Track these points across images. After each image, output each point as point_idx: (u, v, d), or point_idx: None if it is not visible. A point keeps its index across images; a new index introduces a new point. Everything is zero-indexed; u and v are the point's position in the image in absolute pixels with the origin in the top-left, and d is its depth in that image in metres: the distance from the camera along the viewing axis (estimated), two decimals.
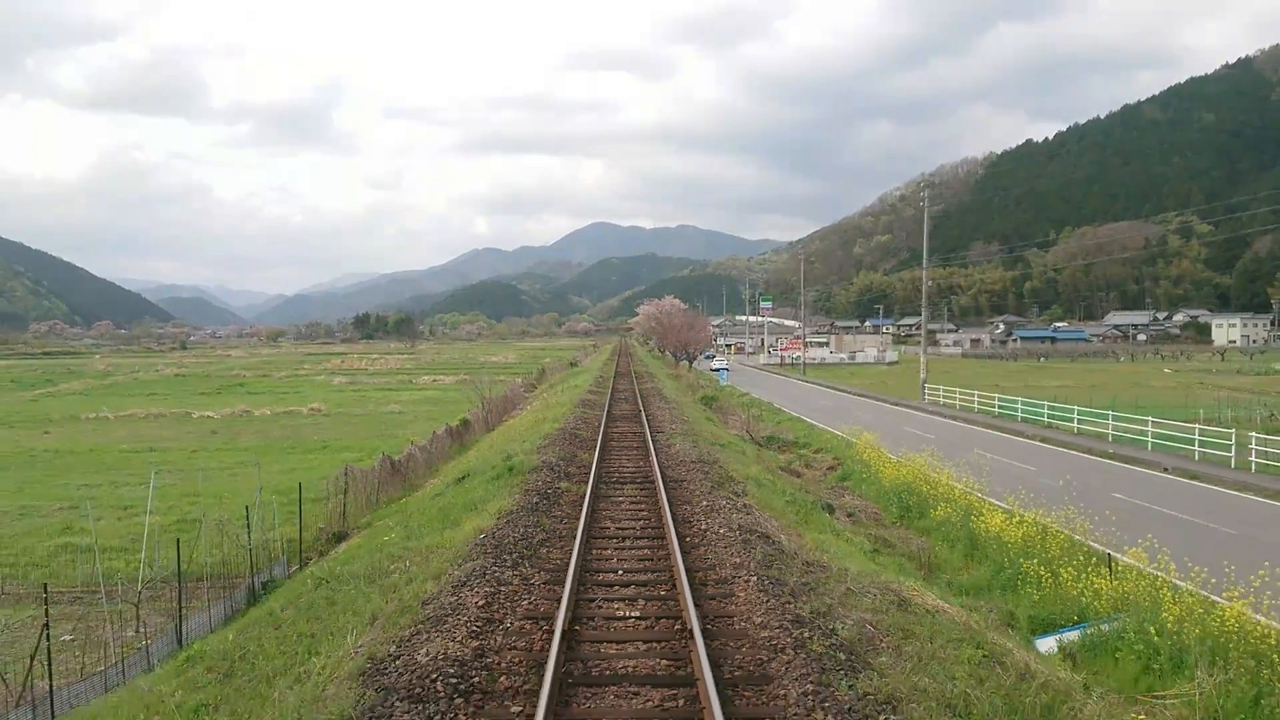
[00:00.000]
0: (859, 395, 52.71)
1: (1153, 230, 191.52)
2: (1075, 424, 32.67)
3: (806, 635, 7.46)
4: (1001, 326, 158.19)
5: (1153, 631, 9.58)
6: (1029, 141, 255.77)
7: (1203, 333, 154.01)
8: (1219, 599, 10.26)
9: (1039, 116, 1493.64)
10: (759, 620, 7.91)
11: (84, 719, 9.35)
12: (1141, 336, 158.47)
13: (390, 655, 6.76)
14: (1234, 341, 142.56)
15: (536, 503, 12.98)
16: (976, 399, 41.84)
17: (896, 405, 45.45)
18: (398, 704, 5.89)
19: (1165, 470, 23.91)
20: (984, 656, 7.88)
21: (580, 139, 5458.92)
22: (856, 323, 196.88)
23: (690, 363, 79.66)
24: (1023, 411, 37.21)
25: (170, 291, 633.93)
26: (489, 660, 6.85)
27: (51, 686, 10.53)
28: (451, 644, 6.95)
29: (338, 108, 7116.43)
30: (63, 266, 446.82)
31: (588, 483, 14.53)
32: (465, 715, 5.91)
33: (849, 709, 6.06)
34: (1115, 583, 11.54)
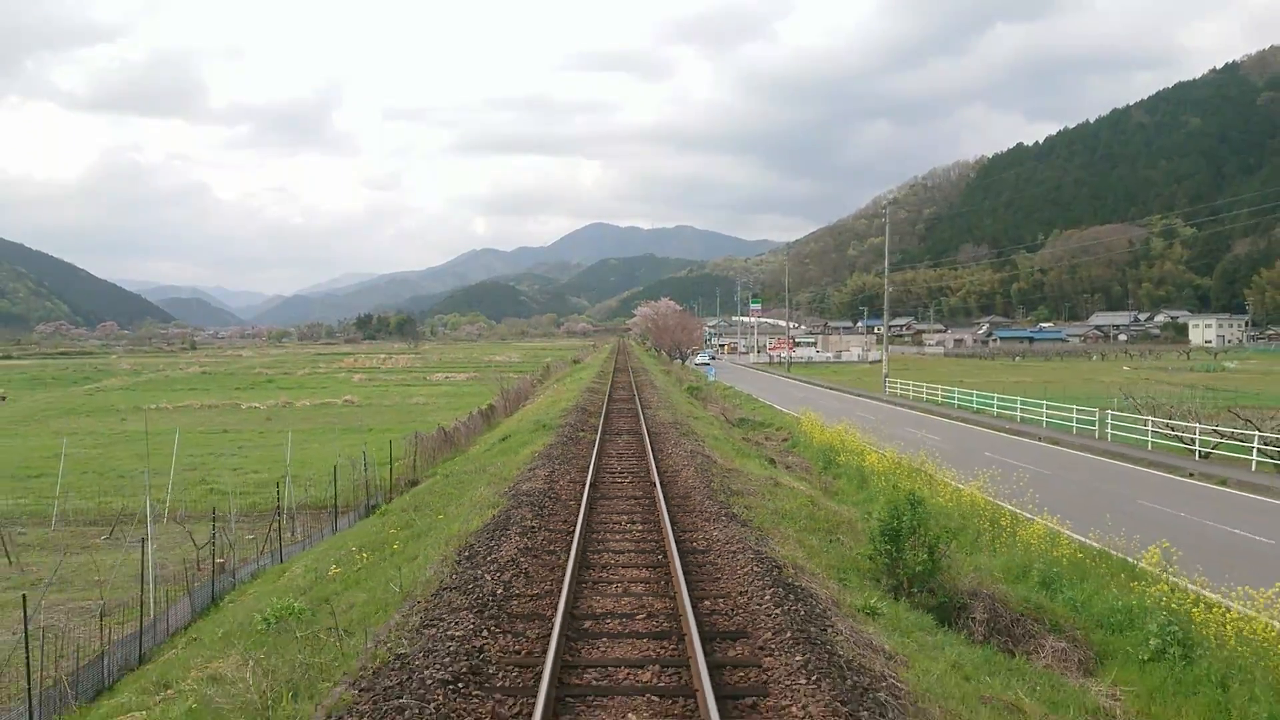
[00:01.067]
0: (830, 389, 60.06)
1: (1137, 233, 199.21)
2: (995, 409, 40.03)
3: (714, 488, 14.78)
4: (985, 327, 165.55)
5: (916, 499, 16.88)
6: (1020, 145, 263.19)
7: (1181, 333, 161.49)
8: (1010, 506, 17.55)
9: (1037, 117, 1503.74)
10: (691, 484, 15.23)
11: (314, 553, 16.58)
12: (1122, 337, 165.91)
13: (510, 488, 14.09)
14: (1210, 341, 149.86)
15: (566, 441, 20.33)
16: (926, 391, 49.20)
17: (859, 396, 52.78)
18: (523, 500, 13.21)
19: (1039, 439, 31.25)
20: (808, 502, 15.23)
21: (579, 140, 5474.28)
22: (849, 323, 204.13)
23: (683, 361, 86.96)
24: (959, 400, 44.59)
25: (169, 292, 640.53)
26: (556, 490, 14.19)
27: (281, 543, 17.83)
28: (536, 485, 14.29)
29: (337, 109, 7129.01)
30: (63, 268, 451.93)
31: (598, 432, 21.86)
32: (549, 507, 13.20)
33: (726, 504, 13.37)
34: (930, 489, 18.80)
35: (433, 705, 6.03)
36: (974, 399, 43.26)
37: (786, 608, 8.20)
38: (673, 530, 11.25)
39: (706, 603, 8.71)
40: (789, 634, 7.48)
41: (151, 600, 13.92)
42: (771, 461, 24.78)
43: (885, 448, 23.66)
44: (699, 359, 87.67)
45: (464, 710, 6.13)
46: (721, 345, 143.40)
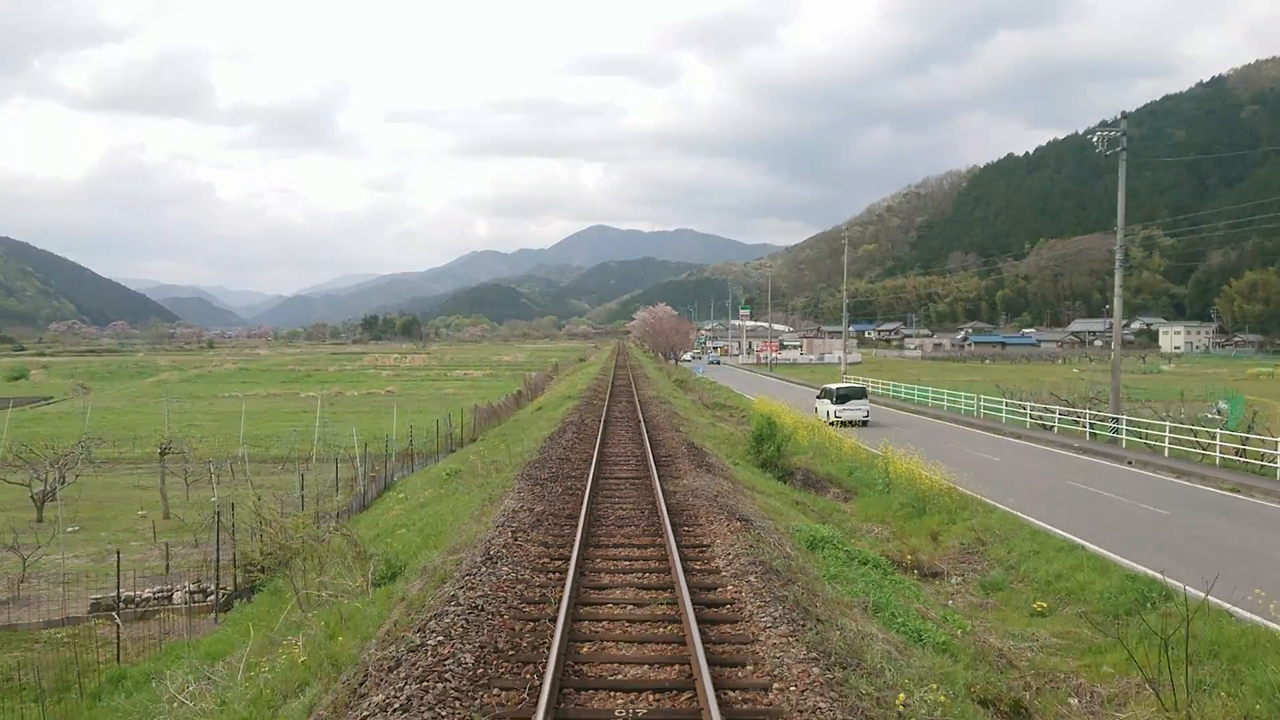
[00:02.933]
0: (799, 384, 71.41)
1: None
2: (918, 398, 51.43)
3: (674, 424, 26.26)
4: (963, 332, 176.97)
5: (798, 441, 28.42)
6: (1010, 155, 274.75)
7: (1154, 339, 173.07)
8: (853, 441, 28.96)
9: (1037, 124, 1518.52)
10: (661, 423, 26.69)
11: (437, 465, 27.97)
12: (1098, 343, 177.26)
13: (568, 418, 25.58)
14: (1179, 348, 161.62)
15: (585, 406, 31.81)
16: (880, 385, 60.51)
17: (815, 388, 64.08)
18: (568, 425, 24.68)
19: (932, 417, 42.61)
20: (729, 432, 26.71)
21: (581, 143, 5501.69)
22: (840, 327, 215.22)
23: (676, 360, 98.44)
24: (893, 391, 55.99)
25: (170, 292, 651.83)
26: (585, 422, 25.71)
27: (413, 464, 29.24)
28: (573, 419, 25.80)
29: (342, 110, 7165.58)
30: (69, 266, 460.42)
31: (605, 401, 33.35)
32: (584, 426, 24.58)
33: (677, 428, 24.81)
34: (811, 433, 30.17)
35: (553, 468, 17.42)
36: (904, 390, 54.66)
37: (693, 459, 19.58)
38: (647, 435, 22.65)
39: (658, 450, 20.14)
40: (691, 462, 18.87)
41: (361, 479, 25.32)
42: (717, 417, 36.24)
43: (806, 417, 35.08)
44: (706, 359, 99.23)
45: (569, 464, 17.55)
46: (717, 348, 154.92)
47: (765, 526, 12.71)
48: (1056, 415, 36.21)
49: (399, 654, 6.97)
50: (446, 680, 6.44)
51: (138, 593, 16.29)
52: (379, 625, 8.36)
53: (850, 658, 7.46)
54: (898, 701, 6.65)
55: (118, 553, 16.39)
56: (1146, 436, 29.13)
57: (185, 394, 68.67)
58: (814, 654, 7.17)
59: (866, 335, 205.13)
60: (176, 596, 16.32)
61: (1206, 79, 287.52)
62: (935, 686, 7.37)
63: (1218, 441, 25.62)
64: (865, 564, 12.61)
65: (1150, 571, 13.05)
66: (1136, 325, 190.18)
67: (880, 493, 21.09)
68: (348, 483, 27.57)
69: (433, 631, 7.39)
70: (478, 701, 6.26)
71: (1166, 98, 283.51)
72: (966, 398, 46.84)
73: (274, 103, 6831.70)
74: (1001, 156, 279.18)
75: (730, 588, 9.28)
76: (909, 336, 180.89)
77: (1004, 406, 39.99)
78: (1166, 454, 27.28)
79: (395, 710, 5.95)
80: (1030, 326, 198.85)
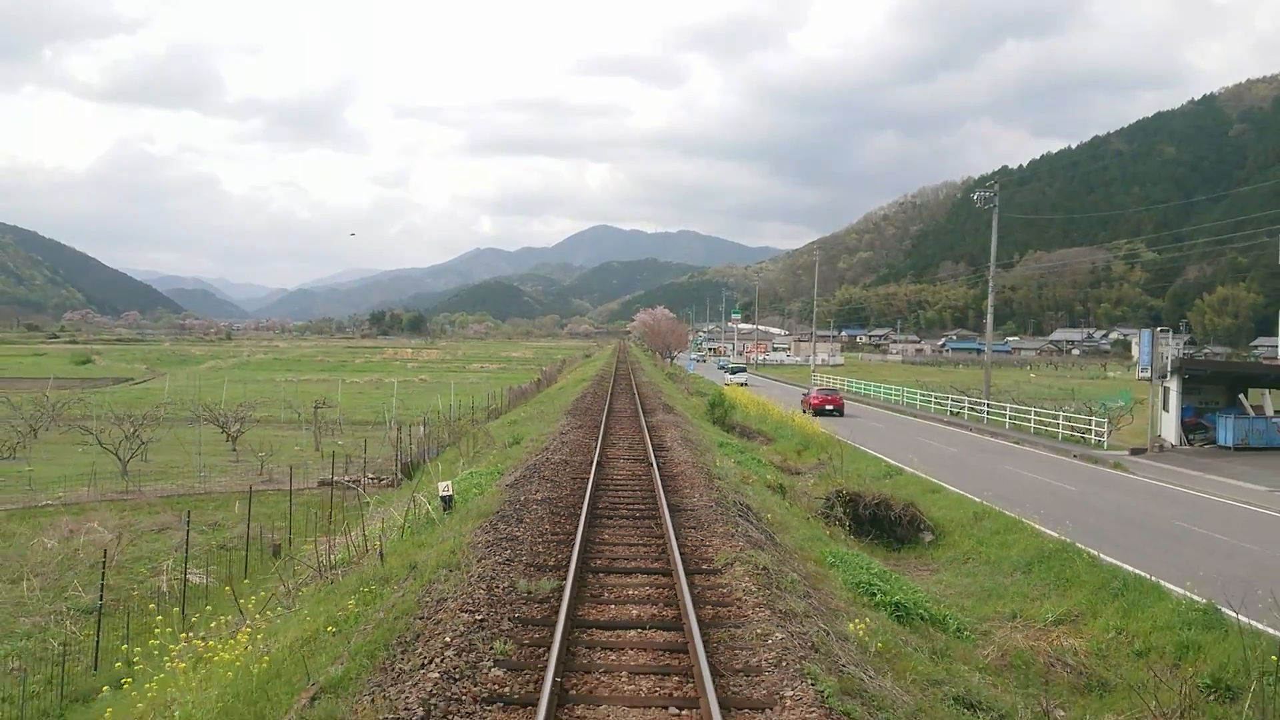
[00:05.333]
0: (775, 381, 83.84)
1: (1102, 256, 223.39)
2: (881, 394, 63.82)
3: (660, 399, 38.77)
4: (943, 339, 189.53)
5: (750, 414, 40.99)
6: (1004, 167, 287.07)
7: (1128, 349, 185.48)
8: (789, 413, 41.47)
9: (1042, 133, 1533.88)
10: (650, 396, 39.20)
11: (487, 425, 40.47)
12: (1076, 351, 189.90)
13: (583, 394, 38.15)
14: None
15: (597, 385, 44.31)
16: (848, 382, 72.85)
17: (790, 385, 76.55)
18: (586, 393, 37.21)
19: (871, 405, 54.95)
20: (699, 404, 39.23)
21: (587, 143, 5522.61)
22: (835, 331, 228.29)
23: (672, 359, 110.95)
24: (852, 386, 68.40)
25: (172, 283, 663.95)
26: (599, 392, 38.26)
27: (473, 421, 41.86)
28: (589, 390, 38.36)
29: (350, 105, 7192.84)
30: (76, 256, 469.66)
31: (610, 385, 45.86)
32: (597, 396, 37.06)
33: (663, 400, 37.33)
34: (758, 407, 42.62)
35: (580, 413, 29.85)
36: (862, 386, 67.08)
37: (666, 412, 31.99)
38: (639, 400, 35.10)
39: (645, 406, 32.61)
40: (665, 413, 31.30)
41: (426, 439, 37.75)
42: (692, 394, 48.59)
43: (757, 396, 47.47)
44: (695, 358, 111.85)
45: (590, 412, 30.04)
46: (712, 349, 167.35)
47: (697, 436, 25.10)
48: (949, 401, 48.70)
49: (544, 452, 19.30)
50: (555, 476, 18.80)
51: (342, 478, 28.55)
52: (516, 462, 20.56)
53: (715, 471, 19.71)
54: (733, 483, 18.91)
55: (333, 455, 28.73)
56: (999, 418, 41.59)
57: (248, 378, 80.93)
58: (699, 466, 19.49)
59: (858, 340, 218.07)
60: (363, 482, 28.63)
61: (1198, 96, 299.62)
62: (756, 482, 19.56)
63: (1032, 420, 38.03)
64: (744, 454, 25.01)
65: (903, 465, 25.45)
66: (1115, 335, 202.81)
67: (787, 439, 33.50)
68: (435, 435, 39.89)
69: (542, 468, 19.69)
70: (573, 464, 18.58)
71: (1159, 114, 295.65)
72: (898, 390, 59.23)
73: (283, 97, 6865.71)
74: (995, 169, 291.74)
75: (671, 449, 21.62)
76: (896, 342, 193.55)
77: (918, 396, 52.45)
78: (1006, 426, 39.66)
79: (557, 461, 18.31)
80: (1014, 335, 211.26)
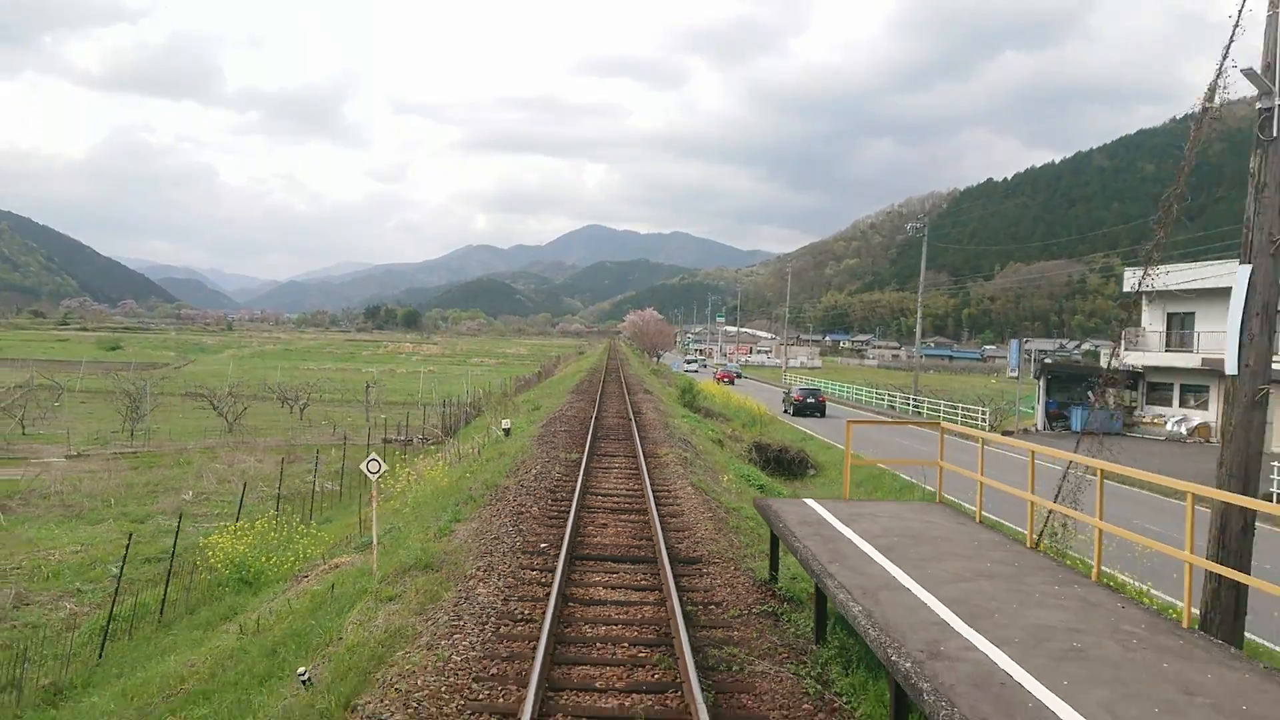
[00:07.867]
0: (750, 379, 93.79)
1: (1078, 269, 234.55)
2: (839, 391, 73.83)
3: (644, 388, 48.68)
4: (922, 346, 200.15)
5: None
6: (989, 180, 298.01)
7: (1096, 359, 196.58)
8: (750, 401, 51.43)
9: (1035, 143, 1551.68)
10: (634, 385, 49.11)
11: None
12: (1047, 359, 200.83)
13: (581, 382, 48.06)
14: None
15: (591, 376, 54.23)
16: (816, 382, 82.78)
17: (763, 384, 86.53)
18: (584, 379, 47.12)
19: (833, 403, 65.02)
20: (674, 393, 49.24)
21: (586, 142, 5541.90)
22: (819, 336, 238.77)
23: (658, 358, 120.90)
24: (826, 388, 78.41)
25: (164, 272, 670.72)
26: (594, 379, 48.21)
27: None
28: (585, 379, 48.27)
29: (350, 100, 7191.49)
30: (70, 243, 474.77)
31: (602, 375, 55.76)
32: (593, 382, 46.95)
33: (645, 388, 47.25)
34: (723, 394, 52.58)
35: (580, 392, 39.74)
36: (827, 386, 77.07)
37: (646, 394, 41.86)
38: (625, 386, 44.95)
39: (629, 388, 42.49)
40: (645, 394, 41.18)
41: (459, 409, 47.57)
42: (669, 384, 58.51)
43: (722, 387, 57.31)
44: (682, 360, 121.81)
45: (588, 393, 39.96)
46: (700, 350, 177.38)
47: (667, 409, 34.96)
48: (887, 397, 58.88)
49: (559, 411, 29.09)
50: (569, 423, 28.57)
51: (397, 437, 38.24)
52: (541, 417, 30.22)
53: (672, 426, 29.43)
54: (684, 432, 28.62)
55: (384, 422, 38.49)
56: (921, 410, 51.58)
57: (283, 365, 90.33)
58: (663, 424, 29.27)
59: (841, 345, 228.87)
60: (417, 440, 38.34)
61: (1180, 115, 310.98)
62: (701, 435, 29.27)
63: (941, 411, 47.99)
64: (701, 424, 34.88)
65: (817, 435, 35.37)
66: (1087, 346, 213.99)
67: (739, 419, 43.37)
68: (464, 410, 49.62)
69: (559, 420, 29.44)
70: (580, 417, 28.37)
71: (1141, 131, 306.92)
72: (853, 388, 69.26)
73: (283, 89, 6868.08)
74: (981, 181, 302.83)
75: (645, 414, 31.41)
76: (876, 347, 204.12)
77: (864, 393, 62.47)
78: (924, 416, 49.60)
79: (569, 416, 28.12)
80: (991, 344, 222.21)
